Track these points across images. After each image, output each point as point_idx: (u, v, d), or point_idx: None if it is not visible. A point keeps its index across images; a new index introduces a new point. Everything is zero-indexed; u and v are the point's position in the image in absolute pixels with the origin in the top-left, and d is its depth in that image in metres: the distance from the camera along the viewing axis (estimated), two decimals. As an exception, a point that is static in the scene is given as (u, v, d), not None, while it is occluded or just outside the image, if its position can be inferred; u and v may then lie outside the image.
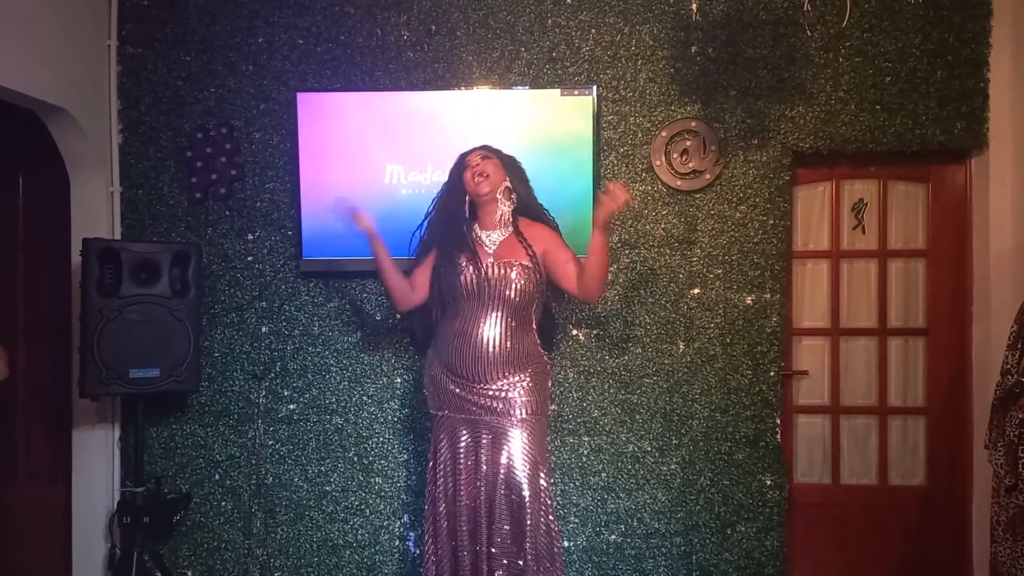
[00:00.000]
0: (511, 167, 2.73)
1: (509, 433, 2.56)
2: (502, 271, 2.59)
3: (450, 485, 2.62)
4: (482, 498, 2.57)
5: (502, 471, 2.55)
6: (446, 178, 2.79)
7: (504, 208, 2.68)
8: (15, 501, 3.33)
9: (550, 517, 2.57)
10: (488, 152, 2.72)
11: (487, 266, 2.60)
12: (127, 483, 3.15)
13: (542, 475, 2.58)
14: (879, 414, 3.39)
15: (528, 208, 2.76)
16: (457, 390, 2.61)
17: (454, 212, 2.70)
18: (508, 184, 2.68)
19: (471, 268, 2.59)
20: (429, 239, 2.78)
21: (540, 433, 2.62)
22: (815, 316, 3.41)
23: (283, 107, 3.25)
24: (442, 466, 2.64)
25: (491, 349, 2.56)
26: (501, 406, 2.57)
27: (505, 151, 2.76)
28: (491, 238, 2.67)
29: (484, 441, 2.59)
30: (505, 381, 2.57)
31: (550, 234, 2.73)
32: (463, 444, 2.62)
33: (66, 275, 3.24)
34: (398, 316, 3.10)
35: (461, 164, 2.71)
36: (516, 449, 2.55)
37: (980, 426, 3.21)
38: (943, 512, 3.34)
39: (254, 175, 3.30)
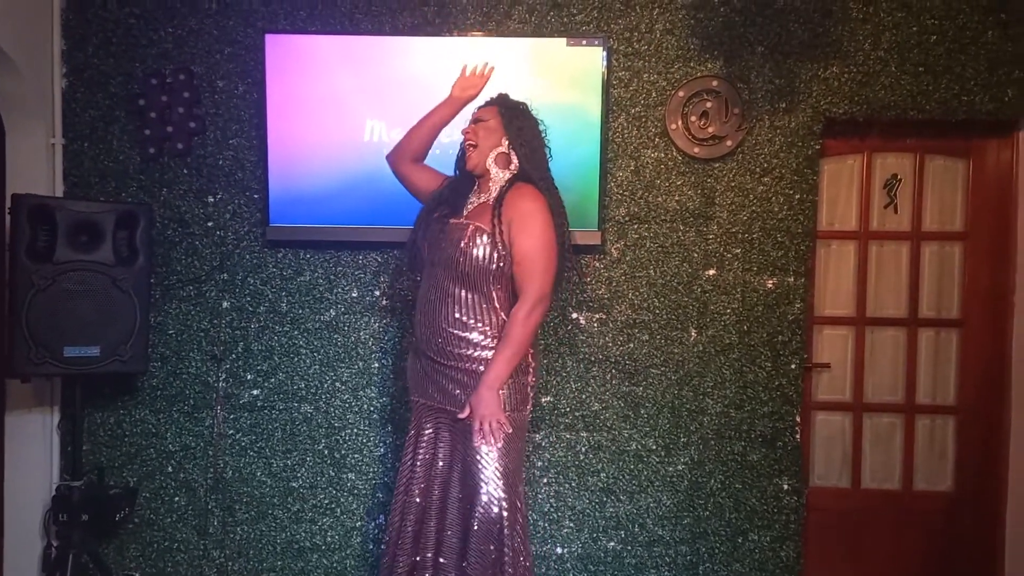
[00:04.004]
0: (514, 125, 2.30)
1: (470, 428, 2.20)
2: (457, 234, 2.24)
3: (413, 483, 2.32)
4: (435, 499, 2.27)
5: (456, 472, 2.25)
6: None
7: (501, 175, 2.29)
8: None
9: (516, 529, 2.21)
10: (487, 108, 2.33)
11: (449, 226, 2.28)
12: (65, 475, 2.83)
13: (500, 482, 2.18)
14: (905, 412, 3.19)
15: (534, 171, 2.30)
16: (422, 371, 2.34)
17: (459, 167, 2.43)
18: (504, 149, 2.29)
19: (437, 225, 2.30)
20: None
21: (510, 433, 2.21)
22: (838, 303, 3.18)
23: (250, 51, 2.97)
24: (408, 461, 2.36)
25: (444, 322, 2.23)
26: (461, 392, 2.23)
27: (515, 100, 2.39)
28: (471, 201, 2.33)
29: (444, 434, 2.30)
30: (465, 364, 2.22)
31: (529, 210, 2.20)
32: (426, 436, 2.34)
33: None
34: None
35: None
36: (476, 448, 2.18)
37: (1018, 428, 3.03)
38: (972, 521, 3.16)
39: (216, 129, 3.02)
